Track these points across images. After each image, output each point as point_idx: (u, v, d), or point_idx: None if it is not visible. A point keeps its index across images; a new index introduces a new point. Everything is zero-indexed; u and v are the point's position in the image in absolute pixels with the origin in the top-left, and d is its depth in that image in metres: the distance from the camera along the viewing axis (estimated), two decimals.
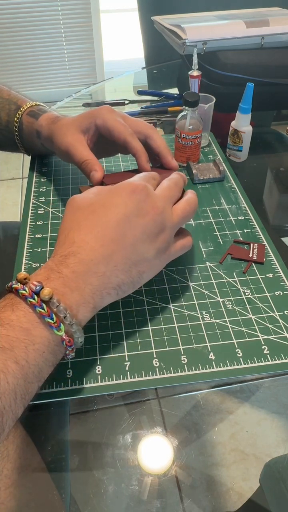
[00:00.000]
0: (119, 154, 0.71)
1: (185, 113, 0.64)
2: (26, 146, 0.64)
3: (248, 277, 0.49)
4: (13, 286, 0.33)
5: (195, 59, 0.69)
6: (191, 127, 0.64)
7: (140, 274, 0.38)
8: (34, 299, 0.31)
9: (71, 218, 0.38)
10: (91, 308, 0.35)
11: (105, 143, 0.54)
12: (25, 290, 0.32)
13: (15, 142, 0.64)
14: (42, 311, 0.31)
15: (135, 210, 0.37)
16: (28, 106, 0.62)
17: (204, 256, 0.52)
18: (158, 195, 0.40)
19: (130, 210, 0.37)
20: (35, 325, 0.31)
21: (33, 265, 0.50)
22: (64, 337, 0.33)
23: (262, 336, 0.43)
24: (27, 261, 0.50)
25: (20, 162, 2.17)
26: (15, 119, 0.61)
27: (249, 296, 0.47)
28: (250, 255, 0.51)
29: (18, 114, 0.61)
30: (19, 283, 0.33)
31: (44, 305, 0.32)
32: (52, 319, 0.32)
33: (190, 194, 0.44)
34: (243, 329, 0.43)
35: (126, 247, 0.37)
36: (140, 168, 0.50)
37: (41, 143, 0.60)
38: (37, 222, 0.57)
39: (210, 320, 0.44)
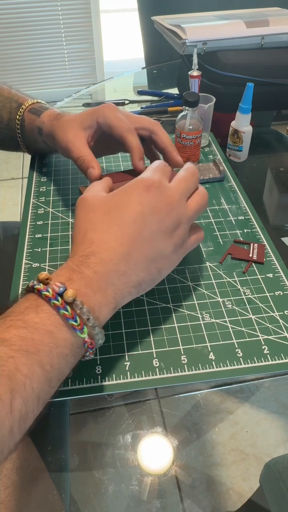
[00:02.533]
0: (120, 154, 0.71)
1: (185, 113, 0.64)
2: (28, 144, 0.64)
3: (248, 277, 0.49)
4: (35, 286, 0.32)
5: (195, 59, 0.69)
6: (191, 127, 0.64)
7: (159, 271, 0.38)
8: (58, 300, 0.31)
9: (85, 218, 0.38)
10: (112, 308, 0.35)
11: (107, 141, 0.54)
12: (49, 292, 0.31)
13: (17, 140, 0.63)
14: (66, 313, 0.31)
15: (150, 207, 0.37)
16: (29, 103, 0.62)
17: (204, 256, 0.52)
18: (173, 189, 0.39)
19: (145, 208, 0.37)
20: (59, 328, 0.31)
21: (33, 265, 0.50)
22: (86, 339, 0.32)
23: (262, 336, 0.43)
24: (27, 261, 0.50)
25: (20, 162, 2.17)
26: (17, 116, 0.61)
27: (249, 296, 0.47)
28: (250, 255, 0.51)
29: (20, 112, 0.61)
30: (41, 284, 0.32)
31: (68, 307, 0.31)
32: (76, 321, 0.31)
33: (199, 187, 0.43)
34: (243, 329, 0.43)
35: (144, 244, 0.36)
36: (133, 166, 0.50)
37: (42, 140, 0.60)
38: (37, 222, 0.57)
39: (210, 320, 0.44)
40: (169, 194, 0.39)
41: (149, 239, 0.37)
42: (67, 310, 0.31)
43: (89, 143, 0.53)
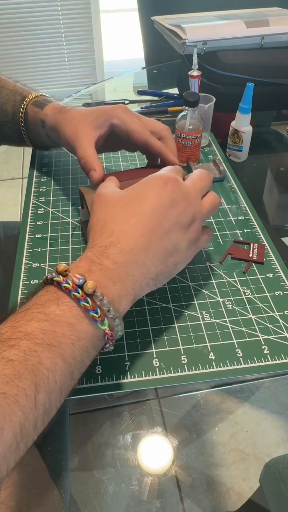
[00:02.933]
0: (119, 154, 0.71)
1: (185, 113, 0.64)
2: (31, 137, 0.63)
3: (248, 277, 0.49)
4: (55, 278, 0.32)
5: (195, 59, 0.69)
6: (191, 127, 0.64)
7: (175, 265, 0.39)
8: (78, 292, 0.31)
9: (103, 210, 0.38)
10: (131, 299, 0.35)
11: (114, 140, 0.54)
12: (69, 284, 0.31)
13: (21, 134, 0.63)
14: (87, 305, 0.31)
15: (169, 200, 0.38)
16: (33, 96, 0.62)
17: (204, 256, 0.52)
18: (189, 186, 0.40)
19: (164, 200, 0.38)
20: (80, 320, 0.31)
21: (33, 265, 0.50)
22: (107, 331, 0.32)
23: (262, 336, 0.43)
24: (27, 261, 0.50)
25: (20, 162, 2.17)
26: (21, 109, 0.61)
27: (249, 296, 0.47)
28: (250, 255, 0.51)
29: (23, 105, 0.61)
30: (60, 276, 0.32)
31: (89, 299, 0.31)
32: (97, 313, 0.31)
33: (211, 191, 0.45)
34: (243, 329, 0.43)
35: (162, 236, 0.37)
36: (168, 163, 0.51)
37: (45, 133, 0.59)
38: (37, 222, 0.57)
39: (210, 320, 0.44)
40: (186, 190, 0.40)
41: (167, 232, 0.37)
42: (87, 302, 0.31)
43: (98, 143, 0.52)
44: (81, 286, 0.31)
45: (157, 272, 0.37)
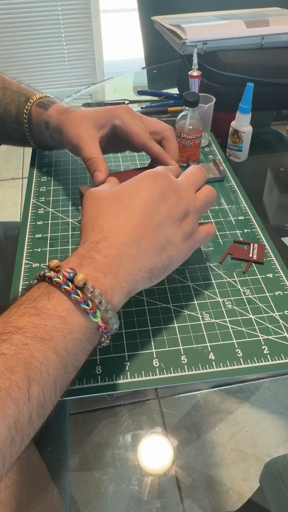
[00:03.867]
0: (119, 154, 0.71)
1: (185, 113, 0.64)
2: (36, 138, 0.63)
3: (248, 277, 0.49)
4: (46, 274, 0.32)
5: (195, 59, 0.69)
6: (191, 127, 0.64)
7: (170, 259, 0.38)
8: (69, 286, 0.31)
9: (94, 207, 0.39)
10: (126, 293, 0.35)
11: (116, 141, 0.54)
12: (59, 278, 0.31)
13: (25, 135, 0.63)
14: (78, 297, 0.31)
15: (159, 194, 0.38)
16: (37, 97, 0.62)
17: (204, 256, 0.52)
18: (180, 181, 0.41)
19: (154, 195, 0.38)
20: (72, 313, 0.31)
21: (33, 265, 0.50)
22: (100, 323, 0.32)
23: (262, 336, 0.43)
24: (27, 261, 0.50)
25: (20, 162, 2.16)
26: (24, 110, 0.61)
27: (249, 296, 0.47)
28: (250, 255, 0.51)
29: (28, 106, 0.61)
30: (52, 271, 0.32)
31: (79, 291, 0.31)
32: (88, 305, 0.31)
33: (207, 185, 0.44)
34: (243, 329, 0.43)
35: (154, 229, 0.37)
36: (168, 150, 0.53)
37: (49, 134, 0.59)
38: (37, 222, 0.57)
39: (210, 320, 0.44)
40: (177, 184, 0.40)
41: (159, 225, 0.37)
42: (78, 295, 0.31)
43: (101, 143, 0.52)
44: (71, 280, 0.31)
45: (151, 266, 0.37)
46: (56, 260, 0.33)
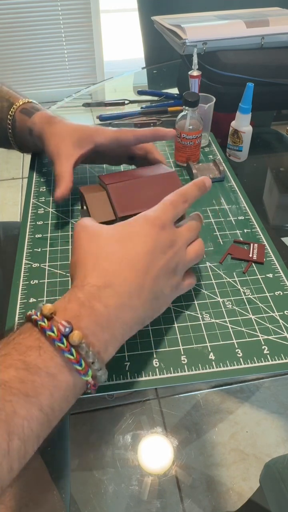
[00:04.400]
0: None
1: (185, 113, 0.64)
2: (19, 143, 0.64)
3: (248, 277, 0.49)
4: (39, 323, 0.30)
5: (195, 59, 0.69)
6: (191, 127, 0.64)
7: (159, 308, 0.39)
8: (63, 343, 0.29)
9: (93, 244, 0.37)
10: (118, 345, 0.34)
11: (95, 156, 0.58)
12: (53, 332, 0.29)
13: (8, 139, 0.64)
14: (71, 357, 0.29)
15: (160, 246, 0.37)
16: (20, 103, 0.62)
17: (204, 256, 0.52)
18: (180, 234, 0.40)
19: (155, 244, 0.37)
20: (62, 370, 0.29)
21: (33, 265, 0.50)
22: (89, 381, 0.31)
23: (262, 336, 0.43)
24: (27, 261, 0.50)
25: (20, 162, 2.17)
26: (8, 116, 0.61)
27: (249, 296, 0.47)
28: (250, 255, 0.51)
29: (11, 111, 0.61)
30: (45, 320, 0.30)
31: (73, 350, 0.29)
32: (80, 365, 0.30)
33: (198, 238, 0.44)
34: (243, 329, 0.43)
35: (152, 279, 0.36)
36: (155, 160, 0.56)
37: (33, 141, 0.60)
38: (37, 222, 0.57)
39: (210, 320, 0.44)
40: (175, 239, 0.39)
41: (156, 275, 0.37)
42: (72, 354, 0.29)
43: (78, 159, 0.55)
44: (66, 336, 0.29)
45: (144, 317, 0.36)
46: (50, 305, 0.31)
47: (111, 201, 0.47)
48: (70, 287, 0.36)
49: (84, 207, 0.49)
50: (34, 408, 0.27)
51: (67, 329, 0.29)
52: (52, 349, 0.29)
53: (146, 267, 0.36)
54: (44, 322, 0.30)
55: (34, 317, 0.30)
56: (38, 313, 0.30)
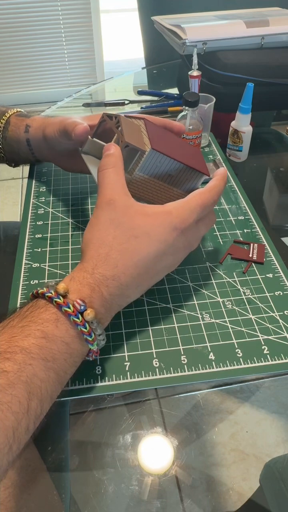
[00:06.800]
0: None
1: (185, 113, 0.64)
2: (7, 149, 0.61)
3: (248, 277, 0.49)
4: (55, 299, 0.34)
5: (195, 59, 0.69)
6: (191, 127, 0.64)
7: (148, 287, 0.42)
8: (78, 318, 0.34)
9: (110, 231, 0.38)
10: (110, 319, 0.39)
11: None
12: (70, 308, 0.33)
13: None
14: (84, 330, 0.34)
15: (172, 248, 0.40)
16: (15, 110, 0.62)
17: (204, 256, 0.52)
18: (196, 235, 0.42)
19: (169, 248, 0.39)
20: (75, 340, 0.34)
21: (33, 265, 0.50)
22: (94, 349, 0.36)
23: (262, 336, 0.43)
24: (27, 261, 0.50)
25: None
26: (1, 120, 0.60)
27: (249, 296, 0.47)
28: (250, 255, 0.51)
29: (2, 120, 0.60)
30: (60, 297, 0.34)
31: (87, 324, 0.34)
32: (90, 336, 0.35)
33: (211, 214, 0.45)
34: (243, 329, 0.43)
35: (153, 276, 0.40)
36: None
37: (27, 138, 0.59)
38: (37, 222, 0.57)
39: (210, 320, 0.44)
40: (192, 241, 0.42)
41: (158, 272, 0.40)
42: (85, 328, 0.34)
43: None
44: (81, 313, 0.34)
45: (134, 298, 0.41)
46: (63, 284, 0.35)
47: (148, 135, 0.44)
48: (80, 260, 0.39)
49: (117, 130, 0.45)
50: (51, 372, 0.31)
51: (82, 307, 0.34)
52: (68, 322, 0.34)
53: (152, 267, 0.39)
54: (60, 299, 0.34)
55: (48, 294, 0.34)
56: (52, 291, 0.34)
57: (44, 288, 0.35)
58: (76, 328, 0.34)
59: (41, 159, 0.62)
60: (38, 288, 0.36)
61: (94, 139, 0.48)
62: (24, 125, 0.59)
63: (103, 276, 0.36)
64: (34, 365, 0.30)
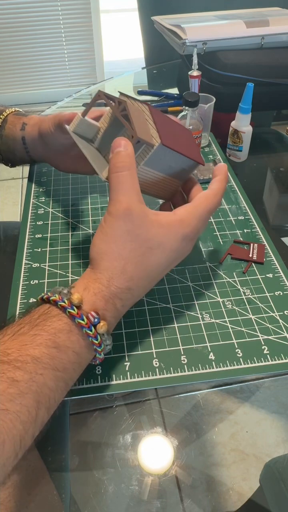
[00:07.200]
0: None
1: (185, 113, 0.64)
2: (4, 148, 0.61)
3: (248, 277, 0.49)
4: (68, 310, 0.34)
5: (195, 59, 0.69)
6: (191, 127, 0.64)
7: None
8: (91, 330, 0.34)
9: (127, 244, 0.37)
10: None
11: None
12: (83, 320, 0.34)
13: None
14: (96, 341, 0.34)
15: (181, 255, 0.41)
16: (13, 110, 0.62)
17: (204, 256, 0.52)
18: (199, 234, 0.42)
19: (179, 255, 0.40)
20: (85, 350, 0.34)
21: (33, 265, 0.50)
22: (102, 357, 0.37)
23: (262, 336, 0.43)
24: (27, 261, 0.50)
25: None
26: None
27: (249, 296, 0.47)
28: (250, 255, 0.51)
29: (2, 115, 0.61)
30: (74, 308, 0.34)
31: (99, 336, 0.35)
32: (100, 347, 0.35)
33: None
34: (243, 329, 0.43)
35: (158, 278, 0.40)
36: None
37: (22, 136, 0.59)
38: (37, 222, 0.57)
39: (210, 320, 0.44)
40: (196, 242, 0.43)
41: (162, 273, 0.40)
42: (97, 340, 0.34)
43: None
44: (95, 325, 0.34)
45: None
46: (78, 295, 0.34)
47: (155, 125, 0.41)
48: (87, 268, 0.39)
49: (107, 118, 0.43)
50: (61, 381, 0.32)
51: (95, 320, 0.34)
52: (80, 333, 0.34)
53: (162, 274, 0.40)
54: (74, 310, 0.34)
55: (61, 303, 0.34)
56: (66, 301, 0.34)
57: (57, 295, 0.34)
58: (87, 338, 0.34)
59: (35, 158, 0.62)
60: (49, 294, 0.35)
61: (86, 118, 0.45)
62: (21, 123, 0.59)
63: (118, 289, 0.36)
64: (44, 375, 0.31)
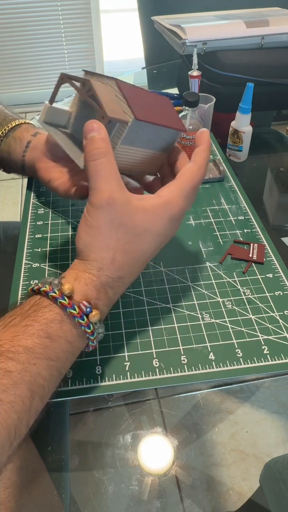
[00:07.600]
0: None
1: (185, 113, 0.64)
2: (3, 147, 0.58)
3: (248, 277, 0.49)
4: (59, 300, 0.33)
5: (195, 59, 0.69)
6: (191, 127, 0.64)
7: None
8: (83, 320, 0.34)
9: (112, 234, 0.36)
10: None
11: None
12: (75, 310, 0.33)
13: None
14: (88, 330, 0.34)
15: (169, 237, 0.40)
16: (22, 121, 0.60)
17: (204, 256, 0.52)
18: (185, 212, 0.41)
19: (167, 237, 0.40)
20: (77, 339, 0.34)
21: (33, 265, 0.50)
22: (95, 345, 0.37)
23: (262, 336, 0.43)
24: (27, 261, 0.50)
25: None
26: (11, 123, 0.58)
27: (249, 296, 0.47)
28: (250, 255, 0.51)
29: (14, 122, 0.58)
30: (66, 298, 0.33)
31: (91, 325, 0.35)
32: (93, 335, 0.35)
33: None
34: (243, 329, 0.43)
35: (146, 261, 0.40)
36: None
37: (28, 141, 0.56)
38: (37, 222, 0.57)
39: (210, 320, 0.44)
40: (182, 220, 0.41)
41: (153, 256, 0.40)
42: (89, 328, 0.34)
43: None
44: (87, 315, 0.34)
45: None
46: (68, 285, 0.34)
47: (126, 100, 0.38)
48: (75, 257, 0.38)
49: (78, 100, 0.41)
50: (54, 370, 0.32)
51: (87, 309, 0.34)
52: (71, 323, 0.34)
53: (151, 257, 0.40)
54: (65, 300, 0.33)
55: (52, 294, 0.33)
56: (56, 291, 0.34)
57: (47, 286, 0.34)
58: (79, 327, 0.34)
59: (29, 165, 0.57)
60: (39, 284, 0.35)
61: (53, 105, 0.42)
62: (26, 141, 0.56)
63: (109, 278, 0.36)
64: (38, 364, 0.31)
